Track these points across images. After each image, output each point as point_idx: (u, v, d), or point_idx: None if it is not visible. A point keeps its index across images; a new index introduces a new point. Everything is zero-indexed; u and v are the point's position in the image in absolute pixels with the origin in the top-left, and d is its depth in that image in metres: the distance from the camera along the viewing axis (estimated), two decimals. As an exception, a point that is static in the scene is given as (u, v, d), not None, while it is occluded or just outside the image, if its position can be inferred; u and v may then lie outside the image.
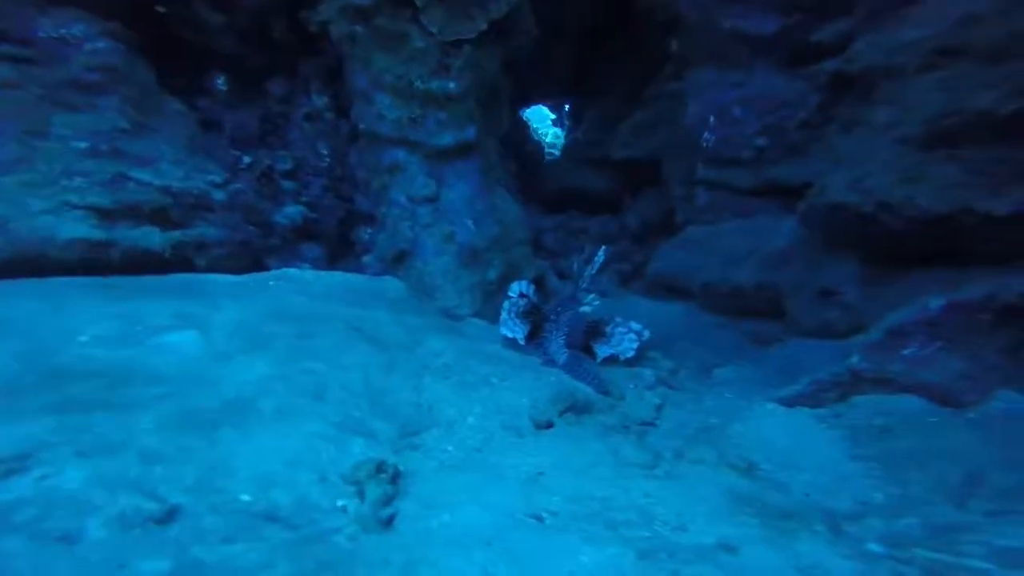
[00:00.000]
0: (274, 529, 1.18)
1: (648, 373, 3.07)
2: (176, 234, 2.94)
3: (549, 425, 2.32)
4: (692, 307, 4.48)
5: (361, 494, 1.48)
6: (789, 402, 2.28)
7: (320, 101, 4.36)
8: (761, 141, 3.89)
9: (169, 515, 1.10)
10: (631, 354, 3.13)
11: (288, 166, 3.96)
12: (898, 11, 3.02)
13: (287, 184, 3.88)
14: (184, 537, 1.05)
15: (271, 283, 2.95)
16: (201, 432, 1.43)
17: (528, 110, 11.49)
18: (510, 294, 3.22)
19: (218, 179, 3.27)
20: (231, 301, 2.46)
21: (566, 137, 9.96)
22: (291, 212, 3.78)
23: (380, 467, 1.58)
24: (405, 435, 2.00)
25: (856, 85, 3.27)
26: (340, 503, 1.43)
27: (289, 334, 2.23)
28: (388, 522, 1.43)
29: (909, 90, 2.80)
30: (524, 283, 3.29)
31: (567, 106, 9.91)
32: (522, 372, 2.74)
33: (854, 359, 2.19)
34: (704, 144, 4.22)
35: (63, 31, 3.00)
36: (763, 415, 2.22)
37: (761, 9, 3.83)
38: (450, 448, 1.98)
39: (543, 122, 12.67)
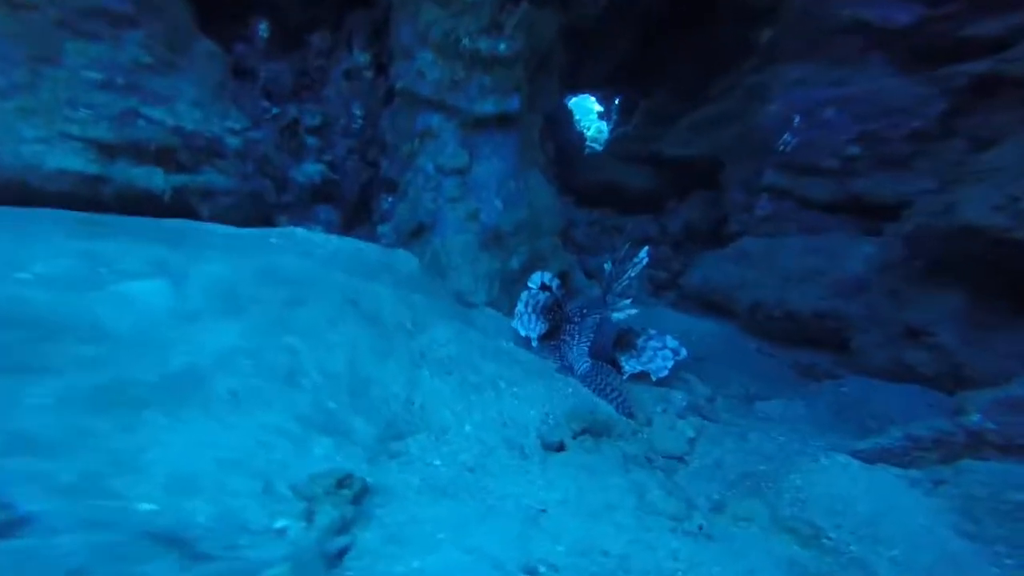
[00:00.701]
0: (168, 560, 0.84)
1: (680, 397, 2.63)
2: (181, 178, 2.68)
3: (560, 447, 1.93)
4: (732, 327, 3.97)
5: (310, 515, 1.14)
6: (869, 457, 1.81)
7: (362, 58, 4.04)
8: (854, 149, 3.31)
9: (5, 529, 0.76)
10: (664, 373, 2.69)
11: (316, 122, 3.67)
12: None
13: (311, 140, 3.59)
14: (7, 568, 0.71)
15: (273, 240, 2.65)
16: (118, 413, 1.12)
17: (572, 100, 10.94)
18: (530, 285, 2.82)
19: (237, 126, 2.99)
20: (221, 254, 2.17)
21: (612, 131, 9.39)
22: (310, 170, 3.49)
23: (343, 481, 1.23)
24: (386, 438, 1.65)
25: (1009, 92, 2.66)
26: (279, 524, 1.09)
27: (275, 299, 1.91)
28: (337, 558, 1.08)
29: None
30: (548, 275, 2.89)
31: (617, 99, 9.33)
32: (535, 378, 2.36)
33: (974, 417, 1.69)
34: (781, 147, 3.66)
35: (93, -49, 2.76)
36: (832, 469, 1.76)
37: (900, -4, 3.21)
38: (437, 462, 1.62)
39: (587, 114, 12.07)
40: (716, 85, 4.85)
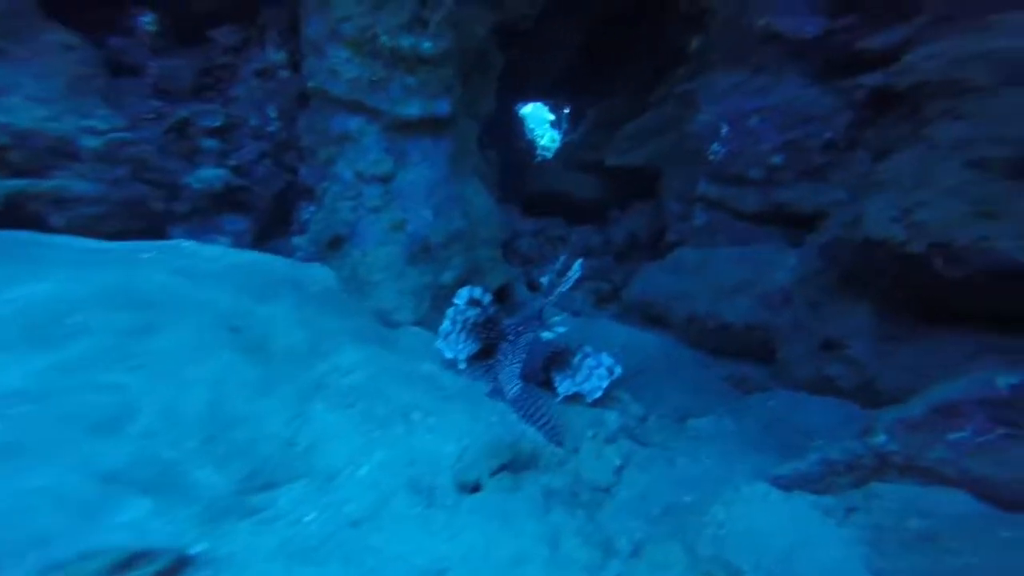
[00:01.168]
0: None
1: (613, 418, 2.50)
2: (16, 183, 2.25)
3: (476, 488, 1.72)
4: (670, 339, 3.96)
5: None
6: (788, 483, 1.74)
7: (276, 56, 3.70)
8: (777, 159, 3.38)
9: None
10: (598, 394, 2.55)
11: (216, 123, 3.29)
12: (971, 19, 2.57)
13: (209, 143, 3.21)
14: None
15: (145, 255, 2.27)
16: None
17: (527, 109, 10.97)
18: (456, 301, 2.60)
19: (102, 126, 2.58)
20: (61, 271, 1.79)
21: (562, 139, 9.47)
22: (208, 175, 3.11)
23: (132, 561, 0.95)
24: (247, 491, 1.37)
25: (901, 104, 2.79)
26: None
27: (116, 327, 1.57)
28: None
29: (991, 106, 2.30)
30: (478, 289, 2.68)
31: (567, 108, 9.43)
32: (458, 406, 2.14)
33: (880, 438, 1.66)
34: (711, 156, 3.70)
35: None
36: (753, 499, 1.67)
37: (809, 8, 3.32)
38: (310, 517, 1.36)
39: (541, 124, 12.16)
40: (656, 92, 4.92)
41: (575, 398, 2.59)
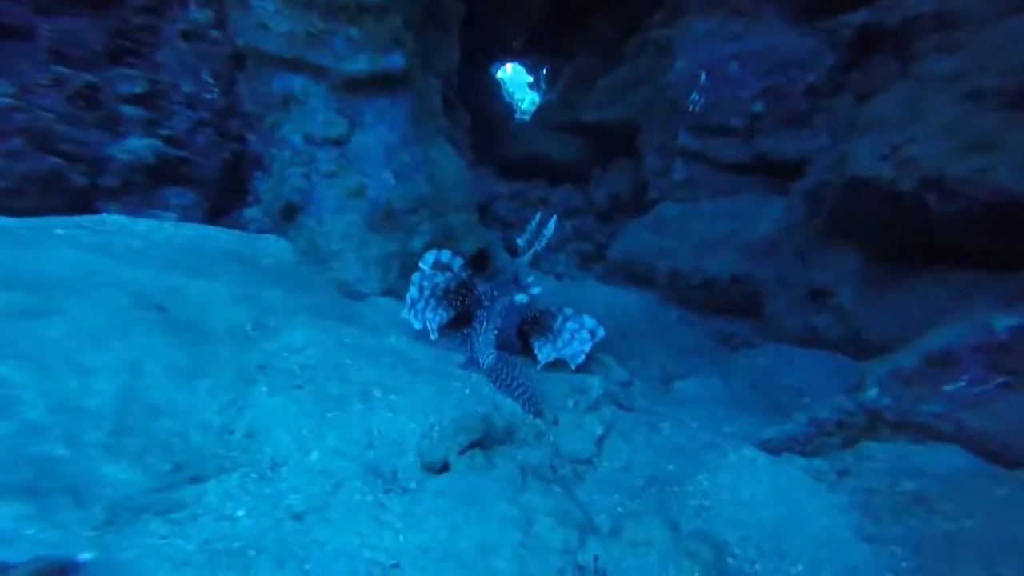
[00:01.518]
0: None
1: (595, 384, 2.34)
2: None
3: (443, 468, 1.55)
4: (656, 298, 3.80)
5: None
6: (776, 447, 1.60)
7: (201, 15, 3.26)
8: (758, 107, 3.14)
9: None
10: (581, 359, 2.39)
11: (137, 89, 2.89)
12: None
13: (131, 111, 2.83)
14: None
15: (59, 231, 1.99)
16: None
17: (505, 73, 10.38)
18: (422, 265, 2.38)
19: None
20: (-58, 253, 1.52)
21: (540, 101, 9.01)
22: (135, 146, 2.75)
23: None
24: (167, 487, 1.18)
25: (888, 42, 2.54)
26: None
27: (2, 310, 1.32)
28: None
29: (986, 36, 2.08)
30: (446, 252, 2.45)
31: (544, 68, 8.91)
32: (425, 380, 1.95)
33: (871, 392, 1.53)
34: (690, 107, 3.43)
35: None
36: (739, 466, 1.53)
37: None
38: (242, 512, 1.18)
39: (520, 87, 11.57)
40: (630, 43, 4.55)
41: (556, 364, 2.43)
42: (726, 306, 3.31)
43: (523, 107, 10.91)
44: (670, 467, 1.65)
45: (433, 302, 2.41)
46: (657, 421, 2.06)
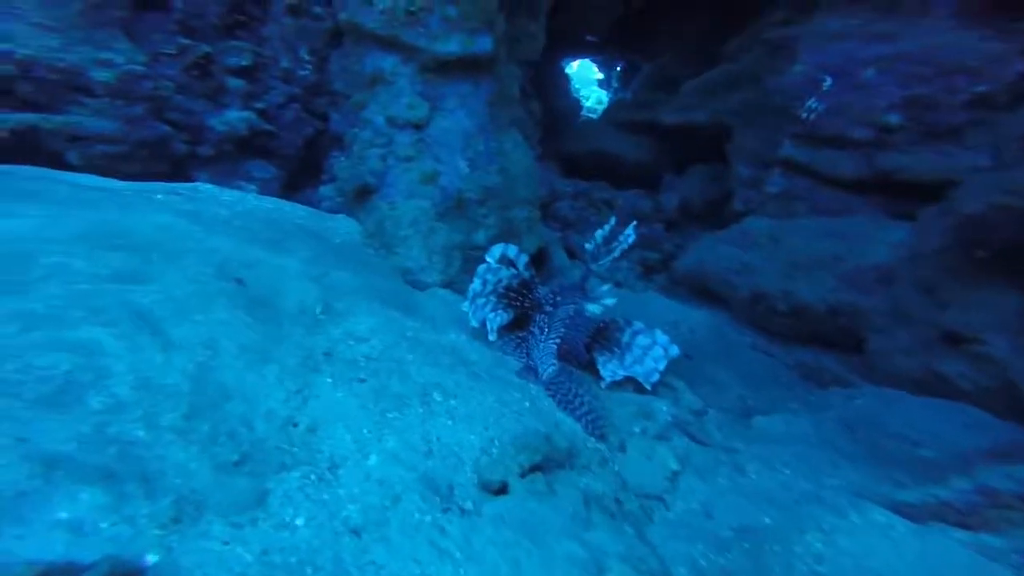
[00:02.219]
0: None
1: (664, 410, 2.10)
2: (26, 116, 2.00)
3: (502, 489, 1.40)
4: (727, 318, 3.43)
5: None
6: (917, 513, 1.29)
7: (310, -11, 3.28)
8: (894, 118, 2.65)
9: None
10: (656, 378, 2.15)
11: (243, 62, 2.94)
12: None
13: (234, 83, 2.87)
14: None
15: (159, 196, 2.02)
16: None
17: (572, 68, 9.99)
18: (488, 258, 2.22)
19: (118, 59, 2.28)
20: (54, 208, 1.55)
21: (611, 99, 8.59)
22: (232, 118, 2.80)
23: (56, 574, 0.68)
24: (229, 482, 1.10)
25: None
26: None
27: (96, 272, 1.31)
28: None
29: None
30: (513, 247, 2.29)
31: (619, 66, 8.46)
32: (485, 386, 1.80)
33: None
34: (804, 114, 2.98)
35: None
36: (868, 530, 1.25)
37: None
38: (300, 522, 1.08)
39: (587, 84, 11.12)
40: (734, 41, 4.08)
41: (624, 384, 2.21)
42: (814, 336, 2.90)
43: (588, 104, 10.47)
44: (766, 520, 1.39)
45: (494, 299, 2.25)
46: (740, 461, 1.79)
